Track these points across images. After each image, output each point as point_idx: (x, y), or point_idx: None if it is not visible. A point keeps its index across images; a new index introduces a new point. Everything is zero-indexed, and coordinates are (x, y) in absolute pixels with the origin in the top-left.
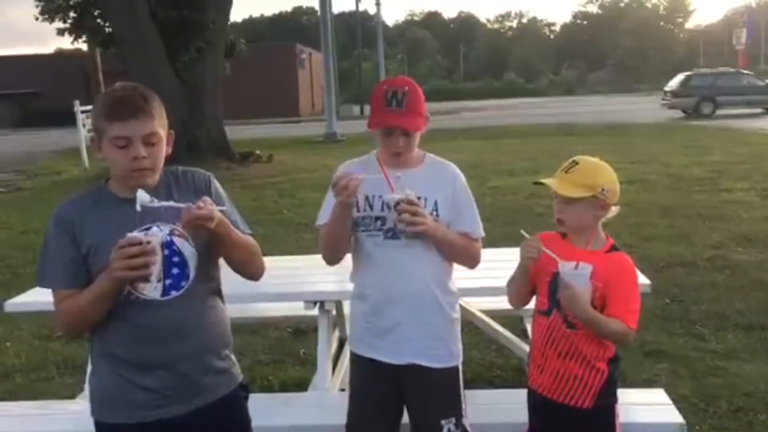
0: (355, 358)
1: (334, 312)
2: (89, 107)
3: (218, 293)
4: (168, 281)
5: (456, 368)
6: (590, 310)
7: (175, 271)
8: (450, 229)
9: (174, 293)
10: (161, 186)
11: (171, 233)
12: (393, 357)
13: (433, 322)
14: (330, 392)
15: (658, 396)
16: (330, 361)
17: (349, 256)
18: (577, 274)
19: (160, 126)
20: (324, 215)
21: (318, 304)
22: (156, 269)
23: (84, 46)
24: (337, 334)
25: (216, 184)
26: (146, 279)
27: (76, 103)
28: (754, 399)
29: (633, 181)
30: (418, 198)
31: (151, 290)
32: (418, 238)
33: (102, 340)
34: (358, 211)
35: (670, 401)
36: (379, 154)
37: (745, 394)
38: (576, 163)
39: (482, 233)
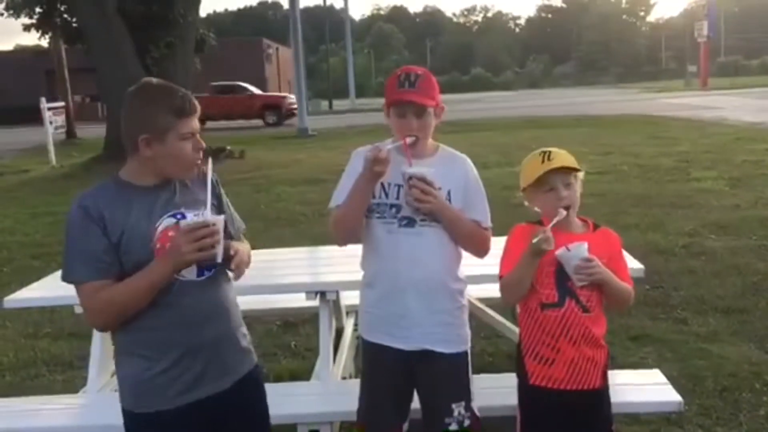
0: (366, 345)
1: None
2: (56, 104)
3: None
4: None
5: (465, 353)
6: (614, 277)
7: None
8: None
9: (207, 273)
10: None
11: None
12: (404, 343)
13: (443, 309)
14: (332, 380)
15: (655, 376)
16: (332, 349)
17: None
18: (576, 253)
19: None
20: (339, 196)
21: (319, 295)
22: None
23: (45, 43)
24: (334, 324)
25: (215, 176)
26: (214, 258)
27: (42, 100)
28: (739, 379)
29: (605, 172)
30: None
31: (190, 271)
32: (431, 226)
33: (130, 331)
34: (374, 197)
35: (666, 380)
36: (393, 141)
37: (729, 374)
38: (548, 151)
39: (490, 224)
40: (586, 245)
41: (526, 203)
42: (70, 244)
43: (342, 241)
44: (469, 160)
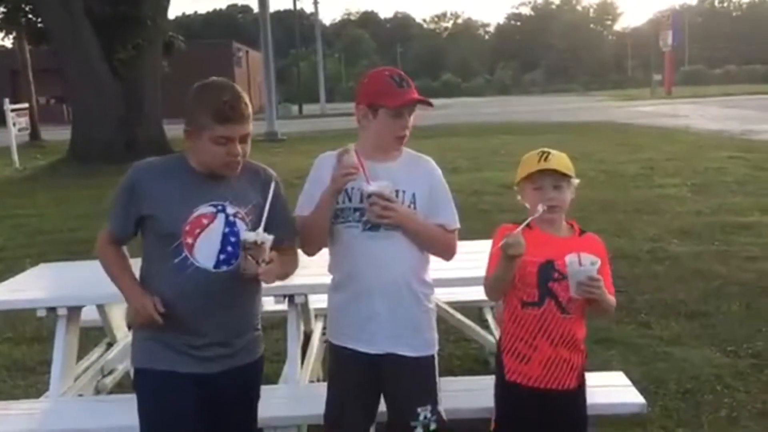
0: (334, 348)
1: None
2: (19, 105)
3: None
4: (222, 256)
5: (432, 357)
6: (607, 293)
7: (230, 249)
8: (428, 220)
9: (225, 268)
10: (243, 174)
11: (235, 215)
12: (371, 346)
13: (410, 313)
14: (300, 384)
15: (618, 378)
16: (299, 353)
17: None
18: (585, 270)
19: (251, 128)
20: (304, 206)
21: (287, 298)
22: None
23: (9, 43)
24: (302, 327)
25: (278, 189)
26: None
27: (6, 101)
28: (701, 382)
29: None
30: (396, 191)
31: (209, 258)
32: (396, 230)
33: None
34: (338, 202)
35: (629, 383)
36: (357, 147)
37: (692, 377)
38: (548, 152)
39: (458, 225)
40: (597, 264)
41: (518, 198)
42: (114, 197)
43: (311, 252)
44: (433, 162)
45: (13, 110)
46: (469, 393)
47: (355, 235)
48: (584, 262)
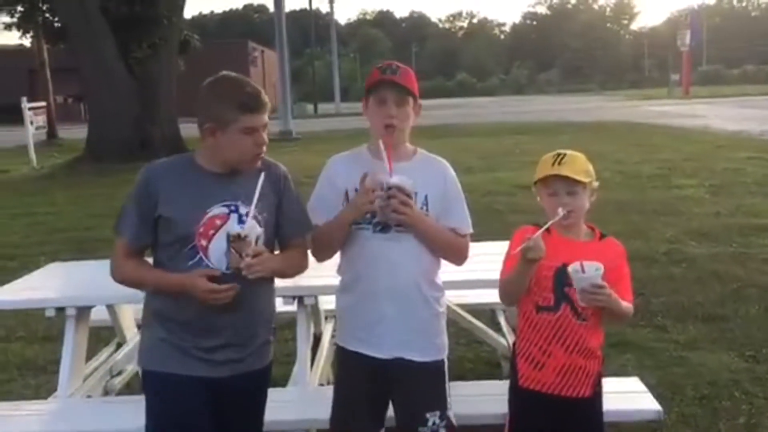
0: (341, 352)
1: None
2: (37, 104)
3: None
4: None
5: (441, 361)
6: (621, 302)
7: None
8: (440, 223)
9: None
10: (244, 171)
11: (248, 215)
12: (379, 350)
13: (419, 316)
14: (309, 386)
15: (634, 384)
16: (309, 355)
17: None
18: (588, 276)
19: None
20: (317, 211)
21: (297, 299)
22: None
23: (27, 42)
24: (312, 329)
25: (291, 182)
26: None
27: (23, 99)
28: (718, 387)
29: None
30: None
31: (220, 261)
32: (407, 232)
33: (158, 301)
34: (348, 202)
35: (645, 389)
36: (369, 146)
37: (709, 382)
38: (564, 154)
39: (470, 229)
40: (601, 271)
41: (537, 199)
42: (127, 201)
43: (320, 260)
44: (448, 165)
45: (30, 109)
46: (480, 398)
47: (366, 237)
48: (587, 270)
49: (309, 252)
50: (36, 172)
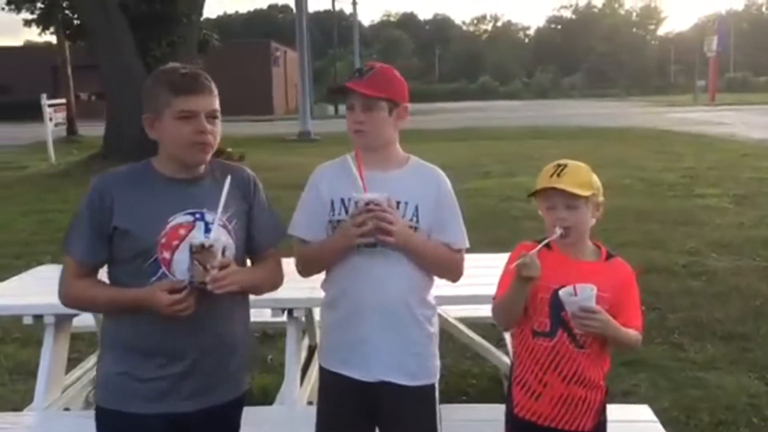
0: (324, 373)
1: (303, 319)
2: (57, 101)
3: (245, 293)
4: None
5: (432, 386)
6: (620, 328)
7: None
8: (431, 238)
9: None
10: (208, 176)
11: (213, 222)
12: (364, 373)
13: (408, 337)
14: (297, 405)
15: (642, 413)
16: (298, 371)
17: None
18: (582, 300)
19: (218, 106)
20: (301, 224)
21: (286, 312)
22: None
23: (53, 39)
24: (306, 342)
25: (260, 186)
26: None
27: (43, 96)
28: (736, 412)
29: (606, 185)
30: (398, 203)
31: (185, 274)
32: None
33: (116, 326)
34: (333, 213)
35: (655, 418)
36: (356, 155)
37: (726, 406)
38: (564, 165)
39: (466, 244)
40: (593, 293)
41: (540, 212)
42: (76, 216)
43: (307, 275)
44: (442, 174)
45: (50, 106)
46: (475, 424)
47: (352, 251)
48: (580, 292)
49: (295, 264)
50: (53, 168)
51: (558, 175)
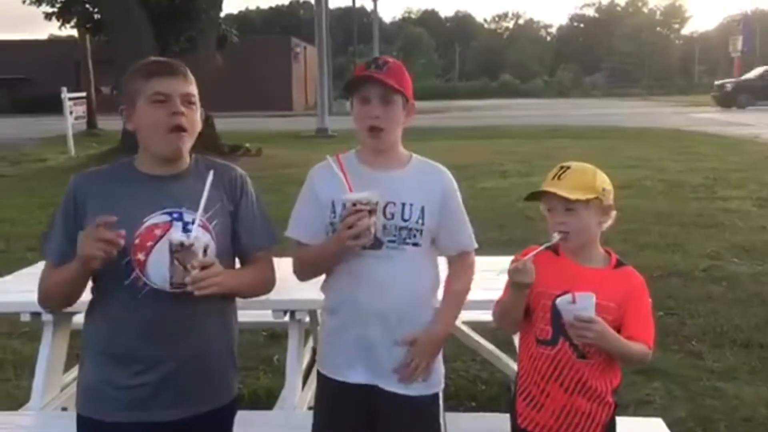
0: (323, 379)
1: (307, 319)
2: (77, 94)
3: (232, 295)
4: None
5: (436, 395)
6: (621, 340)
7: None
8: (440, 244)
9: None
10: (191, 173)
11: (192, 222)
12: (365, 380)
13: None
14: (298, 410)
15: (655, 427)
16: (300, 375)
17: None
18: (579, 308)
19: (196, 92)
20: (298, 227)
21: (288, 313)
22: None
23: (75, 32)
24: (310, 344)
25: (249, 186)
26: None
27: (64, 89)
28: (754, 424)
29: (626, 185)
30: (403, 204)
31: (160, 280)
32: (401, 249)
33: (95, 332)
34: (334, 215)
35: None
36: (358, 152)
37: (744, 418)
38: (567, 167)
39: (476, 245)
40: (592, 302)
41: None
42: (53, 218)
43: (304, 280)
44: (447, 173)
45: (70, 99)
46: None
47: (354, 253)
48: (579, 301)
49: (293, 268)
50: (72, 161)
51: (559, 177)
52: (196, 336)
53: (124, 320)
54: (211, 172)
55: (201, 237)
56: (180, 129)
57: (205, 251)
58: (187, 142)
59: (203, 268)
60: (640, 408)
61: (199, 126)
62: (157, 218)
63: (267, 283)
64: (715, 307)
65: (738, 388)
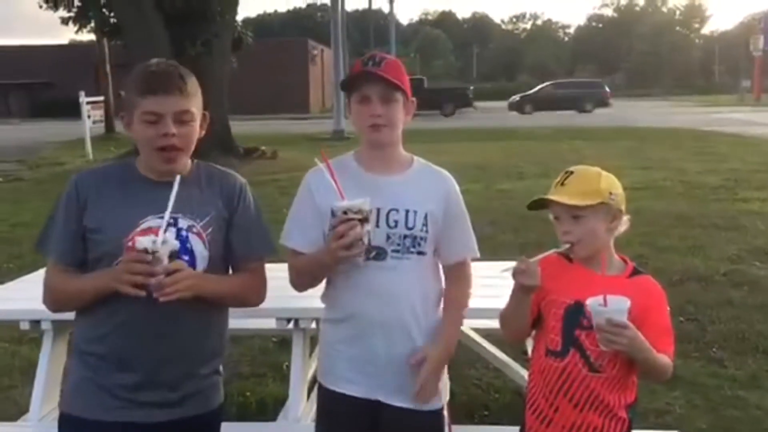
0: (324, 392)
1: (313, 326)
2: (95, 98)
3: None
4: None
5: (440, 410)
6: (651, 350)
7: None
8: (442, 251)
9: None
10: (192, 179)
11: (189, 229)
12: (367, 394)
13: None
14: (302, 423)
15: None
16: (305, 385)
17: None
18: (611, 311)
19: (195, 106)
20: (293, 234)
21: (293, 322)
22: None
23: (87, 38)
24: (317, 352)
25: (248, 195)
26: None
27: (82, 93)
28: None
29: (645, 187)
30: (407, 211)
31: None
32: (405, 259)
33: (81, 330)
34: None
35: None
36: (357, 154)
37: (767, 430)
38: (571, 172)
39: (477, 253)
40: (626, 306)
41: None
42: (50, 216)
43: (301, 290)
44: (450, 178)
45: (88, 103)
46: None
47: (357, 265)
48: (611, 303)
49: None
50: (90, 165)
51: (563, 184)
52: (171, 339)
53: (105, 320)
54: (178, 177)
55: (169, 242)
56: (171, 149)
57: (173, 256)
58: (180, 159)
59: (169, 274)
60: (660, 417)
61: (195, 138)
62: (153, 222)
63: (255, 293)
64: (736, 313)
65: (761, 398)
